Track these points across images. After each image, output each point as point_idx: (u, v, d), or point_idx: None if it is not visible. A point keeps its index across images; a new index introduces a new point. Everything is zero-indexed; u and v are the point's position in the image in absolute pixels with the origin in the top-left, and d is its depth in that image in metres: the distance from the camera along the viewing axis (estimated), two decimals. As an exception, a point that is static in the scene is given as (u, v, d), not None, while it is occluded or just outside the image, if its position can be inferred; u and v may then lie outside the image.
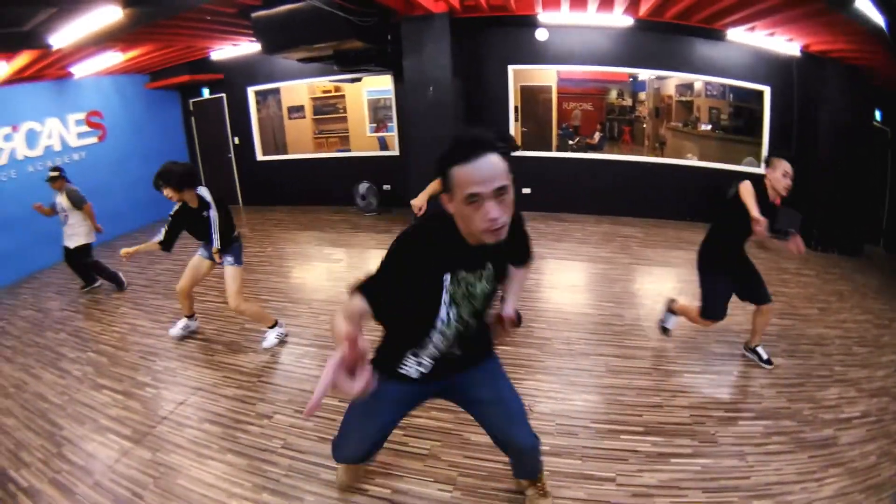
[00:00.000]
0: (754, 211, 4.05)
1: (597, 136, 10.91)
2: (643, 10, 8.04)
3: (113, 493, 3.68)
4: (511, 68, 10.29)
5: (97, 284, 8.17)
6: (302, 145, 13.53)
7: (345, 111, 13.24)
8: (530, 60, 10.21)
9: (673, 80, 10.03)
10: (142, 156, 11.75)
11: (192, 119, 13.75)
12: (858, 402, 4.39)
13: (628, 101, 10.71)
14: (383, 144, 12.89)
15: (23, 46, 7.19)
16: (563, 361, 5.12)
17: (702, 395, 4.53)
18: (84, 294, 8.04)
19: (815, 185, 8.17)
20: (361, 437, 2.86)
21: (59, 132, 10.40)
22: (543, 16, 8.91)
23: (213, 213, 5.33)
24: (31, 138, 9.83)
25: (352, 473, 3.45)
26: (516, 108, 10.67)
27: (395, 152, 11.87)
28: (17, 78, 9.12)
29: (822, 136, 8.28)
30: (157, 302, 7.36)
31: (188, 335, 6.15)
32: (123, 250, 5.42)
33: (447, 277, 2.25)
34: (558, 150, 11.13)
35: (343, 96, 13.12)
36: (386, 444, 3.35)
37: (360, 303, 2.06)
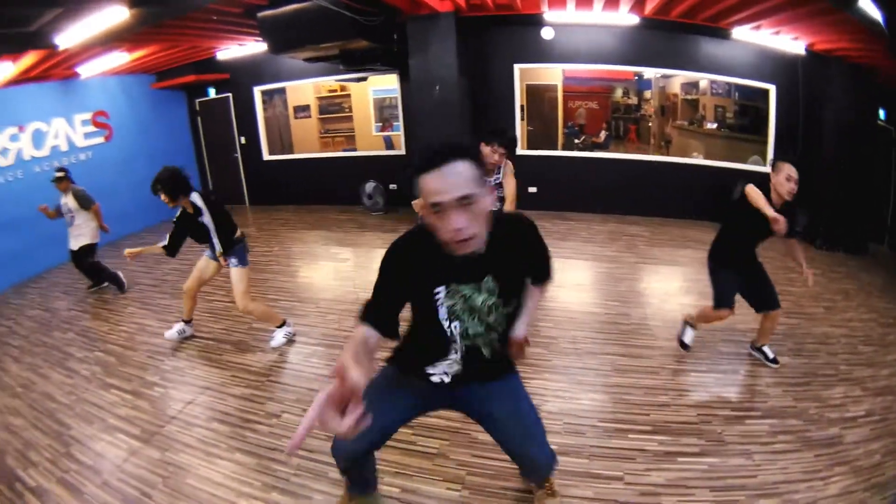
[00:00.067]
0: (770, 211, 4.05)
1: (602, 134, 10.95)
2: (649, 8, 8.04)
3: (121, 493, 3.69)
4: (517, 67, 10.27)
5: (105, 284, 8.17)
6: (308, 145, 13.60)
7: (350, 110, 13.31)
8: (536, 59, 10.21)
9: (678, 78, 10.07)
10: (148, 156, 11.70)
11: (199, 119, 13.75)
12: (863, 400, 4.40)
13: (634, 100, 10.75)
14: (389, 144, 12.94)
15: (29, 46, 7.20)
16: (570, 360, 5.13)
17: (708, 393, 4.54)
18: (91, 294, 8.06)
19: (819, 184, 8.15)
20: (363, 432, 2.72)
21: (66, 132, 10.43)
22: (549, 14, 8.90)
23: (208, 220, 5.31)
24: (38, 138, 9.86)
25: None
26: (522, 106, 10.66)
27: (402, 151, 11.82)
28: (24, 78, 9.13)
29: (826, 135, 8.27)
30: (164, 301, 7.38)
31: (184, 340, 6.13)
32: (127, 250, 5.46)
33: (440, 290, 2.23)
34: (564, 148, 11.18)
35: (349, 96, 13.19)
36: (394, 443, 3.38)
37: (364, 332, 2.05)
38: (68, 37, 6.73)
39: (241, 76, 12.65)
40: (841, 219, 8.26)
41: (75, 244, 7.73)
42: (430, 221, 1.98)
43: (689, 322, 5.11)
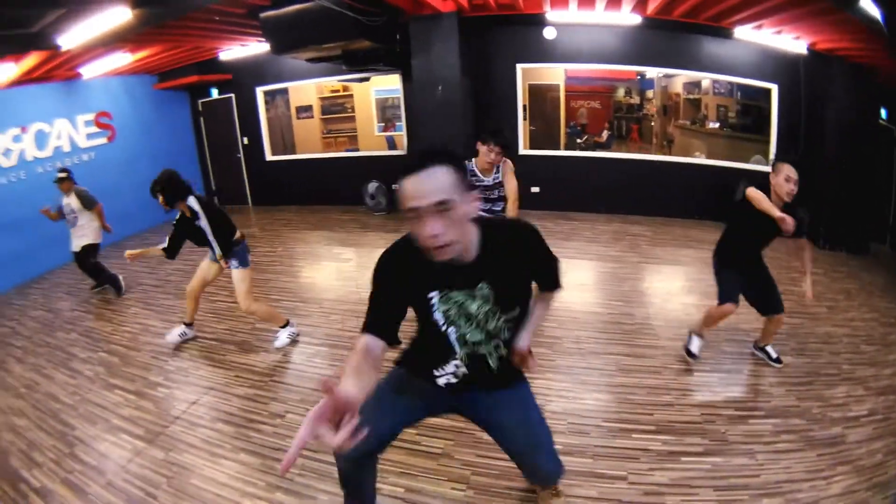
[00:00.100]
0: (777, 212, 4.03)
1: (605, 134, 10.95)
2: (651, 8, 8.05)
3: (126, 493, 3.71)
4: (519, 67, 10.28)
5: (107, 286, 8.17)
6: (310, 145, 13.62)
7: (353, 111, 13.33)
8: (539, 59, 10.22)
9: (681, 77, 10.06)
10: (151, 156, 11.76)
11: (201, 119, 13.77)
12: (866, 400, 4.41)
13: (636, 99, 10.75)
14: (392, 144, 12.95)
15: (31, 47, 7.22)
16: (574, 360, 5.14)
17: (712, 393, 4.55)
18: (95, 294, 8.08)
19: (821, 184, 8.16)
20: (368, 430, 2.66)
21: (69, 133, 10.47)
22: (551, 14, 8.93)
23: (204, 223, 5.31)
24: (41, 139, 9.90)
25: None
26: (524, 106, 10.66)
27: (404, 151, 11.83)
28: (26, 79, 9.16)
29: (828, 135, 8.27)
30: (168, 302, 7.40)
31: (186, 341, 6.13)
32: (128, 252, 5.48)
33: (434, 295, 2.22)
34: (566, 148, 11.16)
35: (351, 96, 13.21)
36: (399, 443, 3.37)
37: (365, 342, 2.06)
38: (71, 38, 6.74)
39: (243, 77, 12.68)
40: (843, 218, 8.27)
41: (77, 244, 7.74)
42: (410, 227, 1.96)
43: (694, 333, 5.06)
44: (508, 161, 5.36)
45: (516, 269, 2.24)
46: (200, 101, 13.58)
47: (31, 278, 9.35)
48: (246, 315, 6.07)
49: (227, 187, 13.98)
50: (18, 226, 9.09)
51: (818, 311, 6.08)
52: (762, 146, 9.20)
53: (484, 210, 5.40)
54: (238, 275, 5.56)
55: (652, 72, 10.34)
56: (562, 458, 2.58)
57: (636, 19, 8.58)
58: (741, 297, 4.72)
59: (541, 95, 11.28)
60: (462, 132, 9.22)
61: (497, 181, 5.32)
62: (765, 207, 4.13)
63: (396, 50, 9.25)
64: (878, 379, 4.72)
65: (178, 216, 5.44)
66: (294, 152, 13.59)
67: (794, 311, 5.74)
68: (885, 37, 5.52)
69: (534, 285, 2.45)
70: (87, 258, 7.77)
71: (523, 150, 10.78)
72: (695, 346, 4.93)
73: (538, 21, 9.37)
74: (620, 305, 6.34)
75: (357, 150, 13.35)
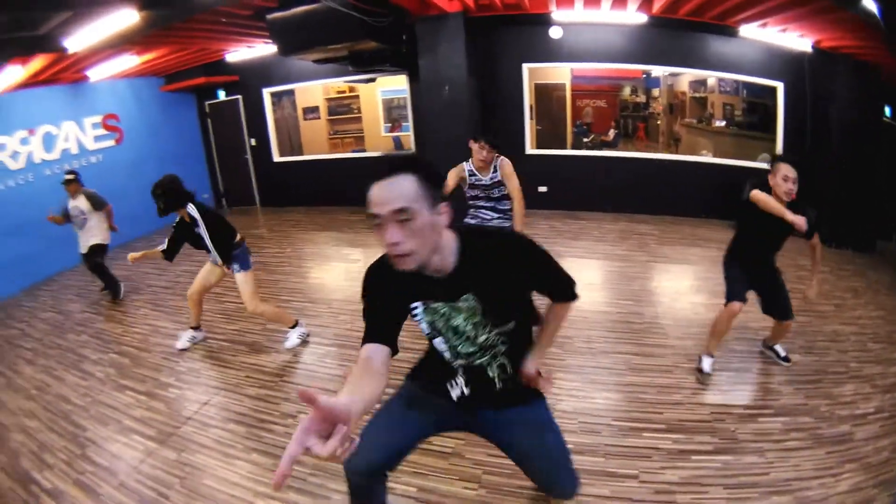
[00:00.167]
0: (790, 215, 4.00)
1: (612, 133, 10.96)
2: (657, 7, 8.09)
3: (138, 494, 3.75)
4: (525, 66, 10.30)
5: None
6: (317, 146, 13.65)
7: (359, 111, 13.35)
8: (545, 58, 10.22)
9: (686, 76, 10.07)
10: (158, 158, 11.78)
11: (209, 121, 13.81)
12: (873, 398, 4.42)
13: (642, 98, 10.75)
14: (398, 144, 12.97)
15: (38, 50, 7.24)
16: (584, 360, 5.15)
17: (722, 392, 4.56)
18: (104, 296, 8.11)
19: (827, 182, 8.18)
20: (376, 445, 2.47)
21: (76, 135, 10.54)
22: (557, 14, 8.97)
23: (203, 231, 5.33)
24: (48, 141, 9.97)
25: None
26: (531, 106, 10.67)
27: (412, 152, 11.70)
28: (33, 82, 9.20)
29: (834, 133, 8.27)
30: (177, 303, 7.43)
31: (196, 343, 6.17)
32: (130, 255, 5.51)
33: (417, 305, 2.21)
34: (573, 147, 11.17)
35: (357, 96, 13.23)
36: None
37: (366, 352, 2.04)
38: (77, 40, 6.75)
39: (250, 78, 12.70)
40: (848, 216, 8.28)
41: (85, 245, 7.77)
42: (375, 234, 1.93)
43: (704, 354, 4.91)
44: (506, 159, 5.35)
45: (504, 280, 2.14)
46: (207, 102, 13.61)
47: (39, 280, 9.41)
48: (255, 316, 6.11)
49: (235, 189, 14.03)
50: (27, 228, 9.13)
51: (826, 310, 6.10)
52: (769, 144, 9.19)
53: (487, 208, 5.47)
54: (241, 277, 5.59)
55: (658, 70, 10.35)
56: (574, 456, 2.56)
57: (642, 18, 8.61)
58: (752, 297, 4.71)
59: (547, 95, 11.29)
60: (468, 132, 9.19)
61: (495, 180, 5.32)
62: (773, 208, 4.12)
63: (403, 50, 9.27)
64: (885, 377, 4.73)
65: (177, 220, 5.47)
66: (301, 153, 13.62)
67: (802, 310, 5.74)
68: (882, 30, 5.54)
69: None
70: (94, 257, 7.76)
71: (530, 150, 10.79)
72: (706, 365, 4.82)
73: (544, 21, 9.40)
74: (629, 305, 6.35)
75: (364, 150, 13.35)
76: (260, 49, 10.86)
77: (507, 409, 2.49)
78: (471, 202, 5.59)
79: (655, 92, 10.86)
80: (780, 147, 8.96)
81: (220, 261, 5.46)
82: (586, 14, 8.83)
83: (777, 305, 4.67)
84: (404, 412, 2.56)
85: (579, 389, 4.65)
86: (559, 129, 11.45)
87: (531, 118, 10.75)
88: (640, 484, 3.49)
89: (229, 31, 8.98)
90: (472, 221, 5.52)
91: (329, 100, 13.73)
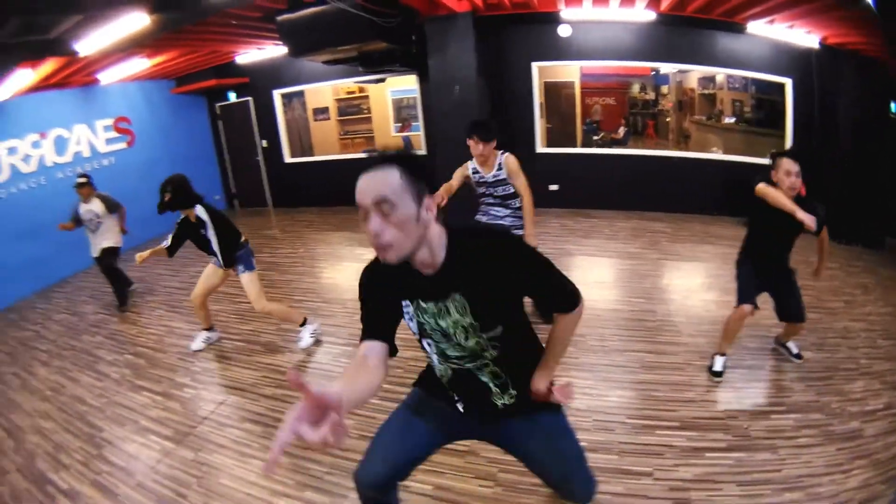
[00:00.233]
0: (799, 213, 3.97)
1: (621, 130, 10.96)
2: (665, 4, 8.11)
3: (156, 494, 3.80)
4: (535, 65, 10.32)
5: (131, 287, 8.24)
6: (328, 146, 13.69)
7: (369, 112, 13.39)
8: (554, 57, 10.24)
9: (695, 73, 10.07)
10: (170, 160, 11.83)
11: (220, 123, 13.91)
12: (882, 394, 4.43)
13: (651, 95, 10.75)
14: (408, 144, 12.99)
15: (48, 54, 7.25)
16: (597, 358, 5.17)
17: (734, 389, 4.58)
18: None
19: (835, 178, 8.19)
20: (384, 457, 2.48)
21: (88, 138, 10.65)
22: (566, 12, 9.02)
23: (211, 233, 5.38)
24: (60, 145, 10.08)
25: None
26: (541, 104, 10.69)
27: (422, 151, 11.80)
28: (44, 85, 9.29)
29: (842, 129, 8.28)
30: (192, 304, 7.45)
31: (211, 343, 6.23)
32: (138, 256, 5.54)
33: (406, 304, 2.18)
34: (583, 145, 11.18)
35: (367, 97, 13.27)
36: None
37: (363, 349, 2.07)
38: (88, 44, 6.75)
39: (260, 80, 12.78)
40: (856, 213, 8.27)
41: (97, 249, 7.76)
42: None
43: (717, 354, 4.89)
44: (511, 155, 5.32)
45: (493, 281, 2.04)
46: (218, 104, 13.71)
47: (53, 283, 9.52)
48: (266, 316, 6.18)
49: (247, 190, 14.11)
50: (39, 231, 9.21)
51: (836, 307, 6.11)
52: (778, 141, 9.16)
53: (496, 205, 5.50)
54: (246, 278, 5.64)
55: (666, 67, 10.35)
56: (588, 454, 2.55)
57: (650, 15, 8.63)
58: (764, 296, 4.72)
59: (557, 93, 11.31)
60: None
61: (499, 178, 5.32)
62: (783, 204, 4.08)
63: (412, 51, 9.29)
64: (895, 373, 4.74)
65: (181, 218, 5.51)
66: (312, 154, 13.68)
67: (813, 307, 5.73)
68: (879, 20, 5.54)
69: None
70: (106, 260, 7.75)
71: (541, 149, 10.81)
72: (718, 364, 4.79)
73: (553, 19, 9.42)
74: (642, 302, 6.37)
75: (374, 150, 13.37)
76: (270, 51, 10.93)
77: (518, 418, 2.44)
78: (480, 200, 5.62)
79: (664, 89, 10.86)
80: (789, 143, 8.94)
81: (223, 264, 5.52)
82: (595, 12, 8.87)
83: (790, 307, 4.65)
84: (411, 421, 2.55)
85: (592, 387, 4.68)
86: (569, 127, 11.46)
87: (541, 116, 10.77)
88: (655, 481, 3.51)
89: (239, 33, 9.04)
90: (484, 219, 5.54)
91: (339, 100, 13.77)
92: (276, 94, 12.99)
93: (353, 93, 13.52)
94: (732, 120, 10.04)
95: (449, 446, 2.70)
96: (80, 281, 9.44)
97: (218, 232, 5.39)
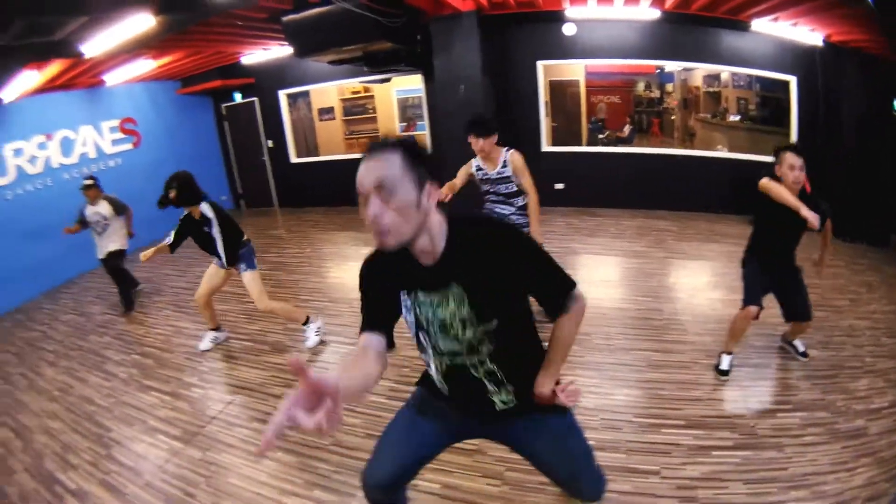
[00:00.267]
0: (804, 210, 3.97)
1: (627, 129, 10.93)
2: (669, 2, 8.12)
3: (164, 493, 3.83)
4: (540, 64, 10.33)
5: (138, 287, 8.29)
6: (333, 146, 13.66)
7: (374, 111, 13.35)
8: (559, 55, 10.24)
9: (700, 71, 10.04)
10: (176, 161, 11.55)
11: (225, 123, 13.96)
12: (887, 392, 4.43)
13: (656, 93, 10.73)
14: (414, 143, 12.96)
15: (54, 55, 7.30)
16: (604, 356, 5.18)
17: (741, 387, 4.58)
18: (135, 296, 8.16)
19: (839, 175, 8.20)
20: (393, 456, 2.47)
21: (94, 139, 10.70)
22: (571, 11, 9.04)
23: (216, 231, 5.40)
24: (66, 146, 10.13)
25: None
26: (546, 103, 10.71)
27: (428, 151, 11.67)
28: (50, 86, 9.33)
29: (846, 126, 8.28)
30: (199, 304, 7.49)
31: (219, 343, 6.26)
32: (142, 255, 5.54)
33: (405, 294, 2.16)
34: (588, 144, 11.16)
35: (372, 97, 13.23)
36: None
37: (363, 341, 2.08)
38: (93, 45, 6.74)
39: (265, 80, 12.83)
40: (861, 210, 8.25)
41: (104, 251, 7.76)
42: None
43: (723, 353, 4.87)
44: (516, 152, 5.30)
45: (493, 272, 2.00)
46: (224, 105, 13.76)
47: (59, 284, 9.56)
48: (270, 315, 6.21)
49: (253, 190, 14.17)
50: (46, 232, 9.21)
51: (841, 304, 6.12)
52: (783, 138, 9.13)
53: (500, 202, 5.50)
54: (248, 277, 5.67)
55: (671, 65, 10.33)
56: (595, 453, 2.52)
57: (655, 14, 8.65)
58: (770, 297, 4.71)
59: (562, 92, 11.28)
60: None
61: (503, 174, 5.30)
62: (788, 200, 4.08)
63: (417, 50, 9.32)
64: (899, 371, 4.75)
65: (183, 215, 5.53)
66: (318, 154, 13.68)
67: (819, 305, 5.73)
68: (875, 13, 5.54)
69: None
70: (113, 262, 7.76)
71: (546, 147, 10.85)
72: (725, 363, 4.79)
73: (558, 18, 9.44)
74: (648, 301, 6.37)
75: (380, 150, 13.39)
76: (275, 51, 10.97)
77: (523, 418, 2.38)
78: (484, 198, 5.63)
79: (669, 87, 10.83)
80: (794, 141, 8.92)
81: (225, 263, 5.54)
82: (600, 10, 8.87)
83: (797, 305, 4.64)
84: (416, 421, 2.53)
85: (599, 386, 4.69)
86: (574, 125, 11.43)
87: (546, 115, 10.78)
88: (662, 479, 3.53)
89: (245, 33, 9.07)
90: None
91: (344, 100, 13.76)
92: (282, 95, 13.04)
93: (358, 93, 13.51)
94: (737, 118, 10.01)
95: (457, 445, 2.70)
96: (86, 282, 9.49)
97: (222, 230, 5.41)
